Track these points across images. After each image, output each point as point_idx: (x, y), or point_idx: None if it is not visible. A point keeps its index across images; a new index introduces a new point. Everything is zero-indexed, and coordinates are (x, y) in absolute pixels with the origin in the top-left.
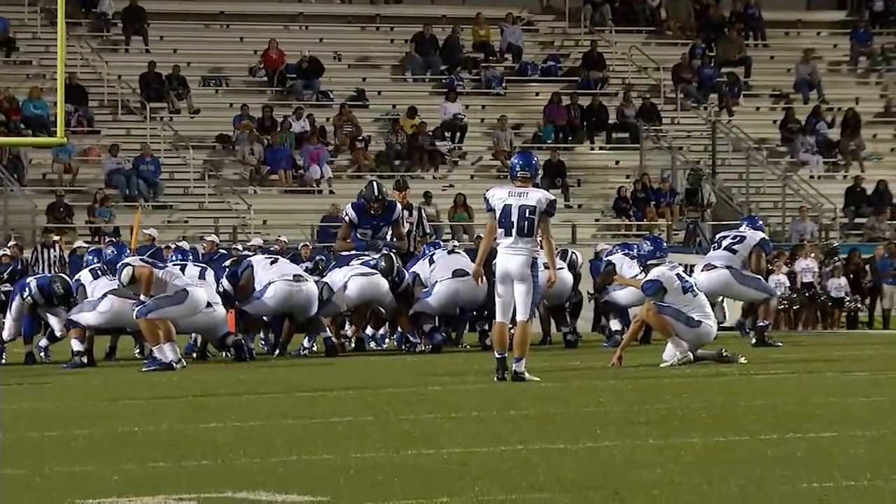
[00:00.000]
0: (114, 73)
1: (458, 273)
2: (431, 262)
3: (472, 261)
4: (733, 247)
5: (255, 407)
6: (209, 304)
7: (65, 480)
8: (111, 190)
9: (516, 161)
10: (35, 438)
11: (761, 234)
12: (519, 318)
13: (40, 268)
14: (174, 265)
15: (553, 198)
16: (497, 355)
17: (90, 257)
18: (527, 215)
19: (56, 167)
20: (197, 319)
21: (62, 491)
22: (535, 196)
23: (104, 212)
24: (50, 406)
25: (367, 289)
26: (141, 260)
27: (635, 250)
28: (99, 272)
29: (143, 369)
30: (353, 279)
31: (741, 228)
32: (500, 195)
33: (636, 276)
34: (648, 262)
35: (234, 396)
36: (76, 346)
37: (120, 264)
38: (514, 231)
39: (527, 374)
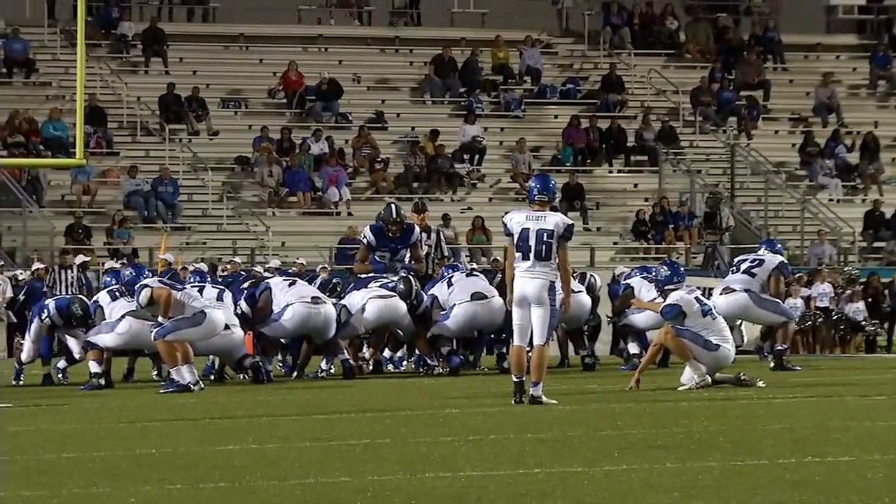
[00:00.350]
0: (133, 94)
1: (477, 296)
2: (450, 284)
3: (491, 283)
4: (752, 270)
5: (273, 429)
6: (227, 326)
7: (82, 502)
8: (130, 211)
9: (534, 185)
10: (52, 460)
11: (780, 258)
12: (536, 341)
13: (58, 289)
14: (192, 287)
15: (570, 222)
16: (514, 378)
17: (108, 279)
18: (545, 239)
19: (75, 188)
20: (215, 341)
21: None
22: (553, 220)
23: (123, 233)
24: (67, 427)
25: (385, 311)
26: (159, 281)
27: (653, 274)
28: (117, 293)
29: (161, 391)
30: (372, 301)
31: (760, 252)
32: (518, 219)
33: (654, 299)
34: (666, 287)
35: (252, 419)
36: (94, 367)
37: (138, 286)
38: (531, 255)
39: (544, 398)
